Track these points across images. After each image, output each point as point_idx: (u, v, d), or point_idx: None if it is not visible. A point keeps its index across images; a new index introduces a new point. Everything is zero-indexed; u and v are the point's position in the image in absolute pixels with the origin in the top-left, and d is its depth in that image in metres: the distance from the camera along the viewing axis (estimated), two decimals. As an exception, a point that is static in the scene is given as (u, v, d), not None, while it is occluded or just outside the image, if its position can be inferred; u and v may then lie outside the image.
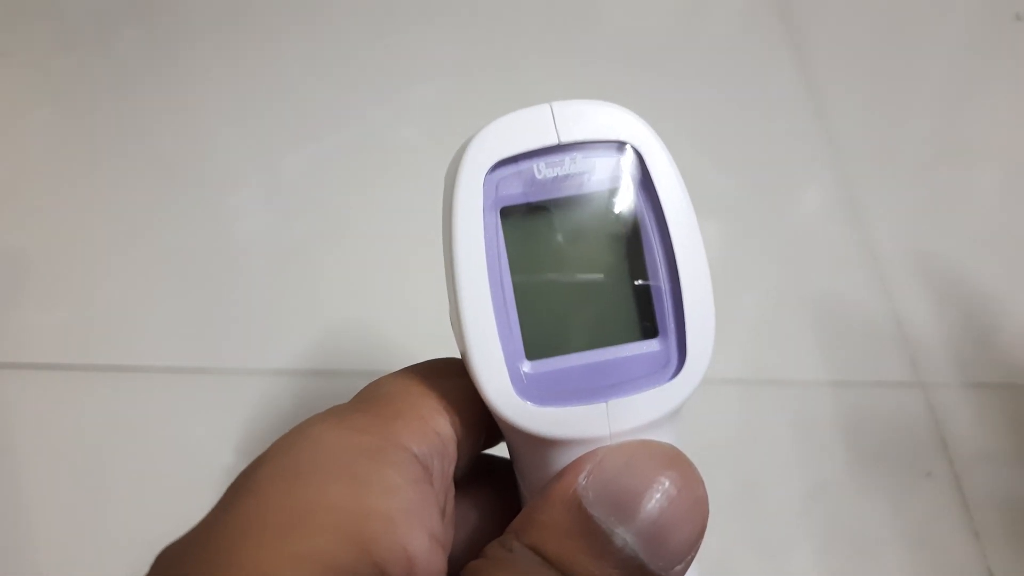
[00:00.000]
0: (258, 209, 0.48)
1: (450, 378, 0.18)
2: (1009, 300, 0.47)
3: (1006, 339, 0.45)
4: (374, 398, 0.18)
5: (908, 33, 0.62)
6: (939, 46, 0.62)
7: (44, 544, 0.36)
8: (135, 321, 0.43)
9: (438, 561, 0.16)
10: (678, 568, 0.16)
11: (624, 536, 0.16)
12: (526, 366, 0.17)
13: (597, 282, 0.17)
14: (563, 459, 0.17)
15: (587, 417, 0.17)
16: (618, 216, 0.17)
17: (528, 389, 0.17)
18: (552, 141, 0.17)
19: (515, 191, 0.17)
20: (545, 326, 0.17)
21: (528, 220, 0.17)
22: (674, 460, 0.17)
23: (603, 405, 0.17)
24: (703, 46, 0.61)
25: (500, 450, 0.20)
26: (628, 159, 0.17)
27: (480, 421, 0.18)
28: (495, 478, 0.21)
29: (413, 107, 0.54)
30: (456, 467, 0.18)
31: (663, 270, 0.17)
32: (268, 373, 0.41)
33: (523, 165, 0.17)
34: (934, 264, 0.48)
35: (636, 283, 0.17)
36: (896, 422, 0.41)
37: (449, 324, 0.18)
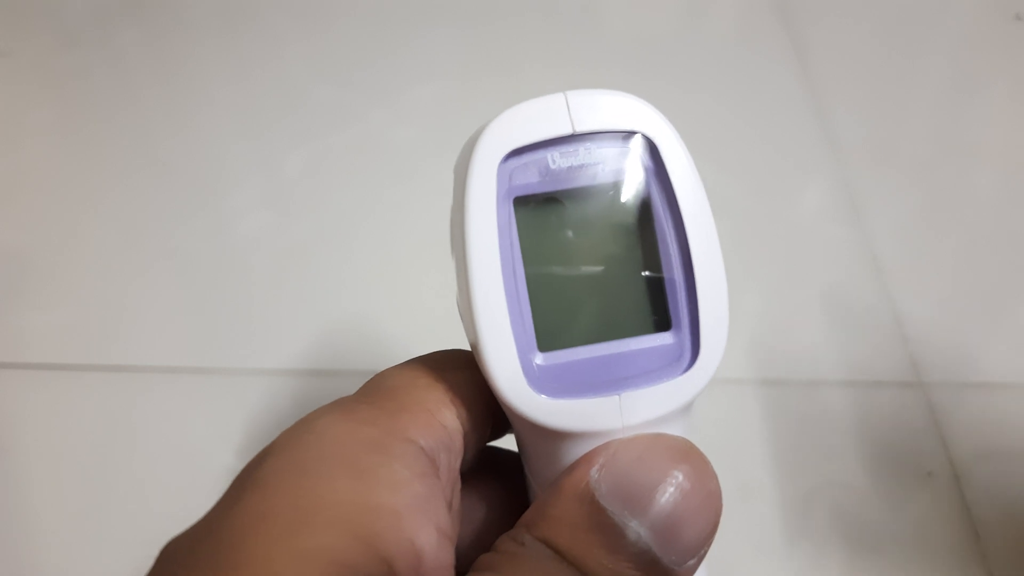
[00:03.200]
0: (258, 209, 0.48)
1: (456, 370, 0.18)
2: (1009, 300, 0.47)
3: (1006, 339, 0.45)
4: (380, 391, 0.18)
5: (908, 33, 0.62)
6: (939, 46, 0.62)
7: (44, 544, 0.36)
8: (135, 321, 0.43)
9: (446, 555, 0.16)
10: (691, 562, 0.16)
11: (637, 529, 0.15)
12: (538, 358, 0.17)
13: (611, 273, 0.17)
14: (575, 452, 0.17)
15: (600, 409, 0.16)
16: (632, 207, 0.17)
17: (540, 381, 0.17)
18: (567, 131, 0.17)
19: (529, 181, 0.17)
20: (558, 317, 0.17)
21: (542, 210, 0.17)
22: (687, 454, 0.16)
23: (616, 397, 0.17)
24: (703, 47, 0.61)
25: (506, 443, 0.20)
26: (643, 150, 0.17)
27: (487, 413, 0.18)
28: (501, 471, 0.21)
29: (414, 108, 0.54)
30: (462, 460, 0.18)
31: (677, 262, 0.17)
32: (268, 373, 0.41)
33: (537, 154, 0.17)
34: (934, 264, 0.48)
35: (650, 275, 0.17)
36: (896, 422, 0.41)
37: (453, 321, 0.17)
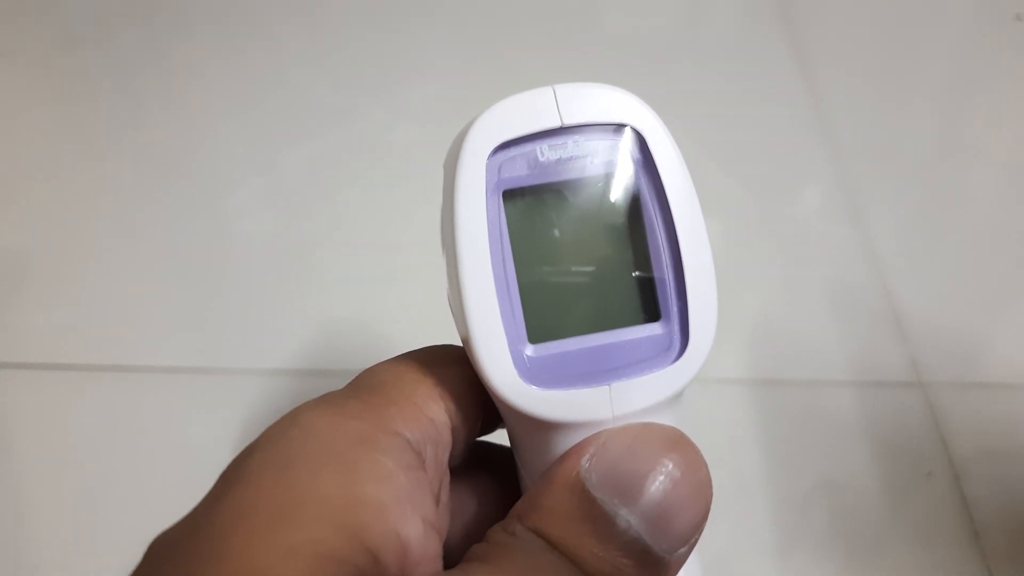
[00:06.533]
0: (257, 209, 0.48)
1: (446, 365, 0.18)
2: (1009, 300, 0.47)
3: (1006, 339, 0.45)
4: (368, 385, 0.18)
5: (908, 33, 0.62)
6: (939, 46, 0.62)
7: (44, 544, 0.36)
8: (135, 321, 0.43)
9: (432, 546, 0.16)
10: (682, 551, 0.16)
11: (628, 518, 0.15)
12: (529, 349, 0.17)
13: (600, 265, 0.17)
14: (566, 442, 0.17)
15: (590, 400, 0.17)
16: (621, 199, 0.17)
17: (531, 372, 0.17)
18: (555, 123, 0.17)
19: (518, 174, 0.17)
20: (548, 309, 0.17)
21: (531, 203, 0.17)
22: (677, 443, 0.17)
23: (606, 388, 0.17)
24: (704, 46, 0.61)
25: (499, 437, 0.20)
26: (631, 142, 0.17)
27: (476, 407, 0.18)
28: (494, 465, 0.21)
29: (412, 107, 0.54)
30: (452, 454, 0.18)
31: (666, 253, 0.17)
32: (267, 373, 0.41)
33: (526, 147, 0.17)
34: (934, 264, 0.48)
35: (639, 266, 0.17)
36: (896, 422, 0.41)
37: (449, 319, 0.18)
